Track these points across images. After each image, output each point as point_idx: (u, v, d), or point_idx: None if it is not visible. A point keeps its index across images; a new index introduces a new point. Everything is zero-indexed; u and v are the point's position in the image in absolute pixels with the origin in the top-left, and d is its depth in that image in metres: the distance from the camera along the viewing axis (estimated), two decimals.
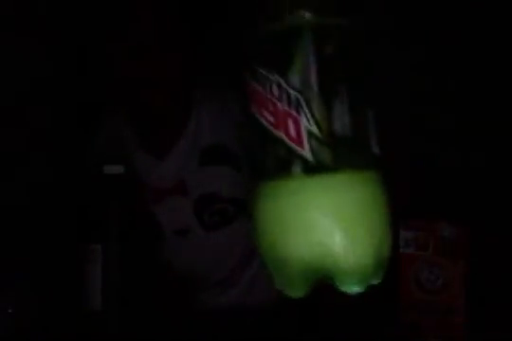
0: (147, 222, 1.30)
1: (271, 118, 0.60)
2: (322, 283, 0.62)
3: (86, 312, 1.10)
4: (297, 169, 0.60)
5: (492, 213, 1.36)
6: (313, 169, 0.59)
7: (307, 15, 0.60)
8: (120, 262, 1.10)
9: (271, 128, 0.60)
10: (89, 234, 1.11)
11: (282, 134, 0.60)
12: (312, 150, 0.59)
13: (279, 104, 0.60)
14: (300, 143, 0.59)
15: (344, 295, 0.60)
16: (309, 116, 0.59)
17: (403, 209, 1.24)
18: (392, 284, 1.07)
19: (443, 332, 1.03)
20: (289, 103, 0.60)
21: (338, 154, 0.60)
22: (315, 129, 0.59)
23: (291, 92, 0.59)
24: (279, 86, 0.59)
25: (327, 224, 0.58)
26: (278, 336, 1.07)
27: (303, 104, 0.59)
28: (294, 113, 0.59)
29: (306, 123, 0.59)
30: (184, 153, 1.31)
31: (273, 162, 0.60)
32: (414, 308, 1.05)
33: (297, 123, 0.59)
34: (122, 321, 1.09)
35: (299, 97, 0.59)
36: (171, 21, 1.25)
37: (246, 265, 1.38)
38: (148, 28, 1.22)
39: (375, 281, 0.61)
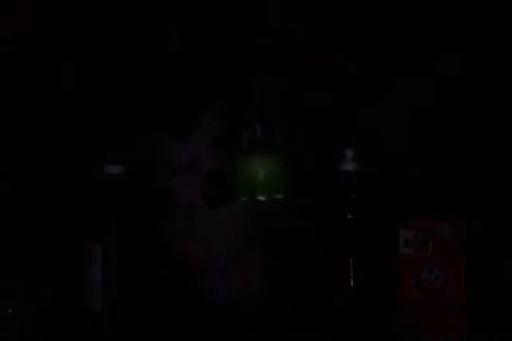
0: (164, 194, 1.46)
1: None
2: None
3: (86, 312, 1.10)
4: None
5: (492, 213, 1.36)
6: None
7: None
8: (120, 262, 1.11)
9: None
10: (89, 234, 1.12)
11: None
12: None
13: None
14: None
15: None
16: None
17: (403, 209, 1.25)
18: (392, 284, 1.07)
19: (443, 331, 1.03)
20: None
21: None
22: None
23: None
24: None
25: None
26: (274, 332, 1.08)
27: None
28: None
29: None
30: (198, 139, 1.50)
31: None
32: (414, 308, 1.05)
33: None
34: (122, 321, 1.10)
35: None
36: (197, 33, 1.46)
37: (244, 256, 1.45)
38: (176, 42, 1.45)
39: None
